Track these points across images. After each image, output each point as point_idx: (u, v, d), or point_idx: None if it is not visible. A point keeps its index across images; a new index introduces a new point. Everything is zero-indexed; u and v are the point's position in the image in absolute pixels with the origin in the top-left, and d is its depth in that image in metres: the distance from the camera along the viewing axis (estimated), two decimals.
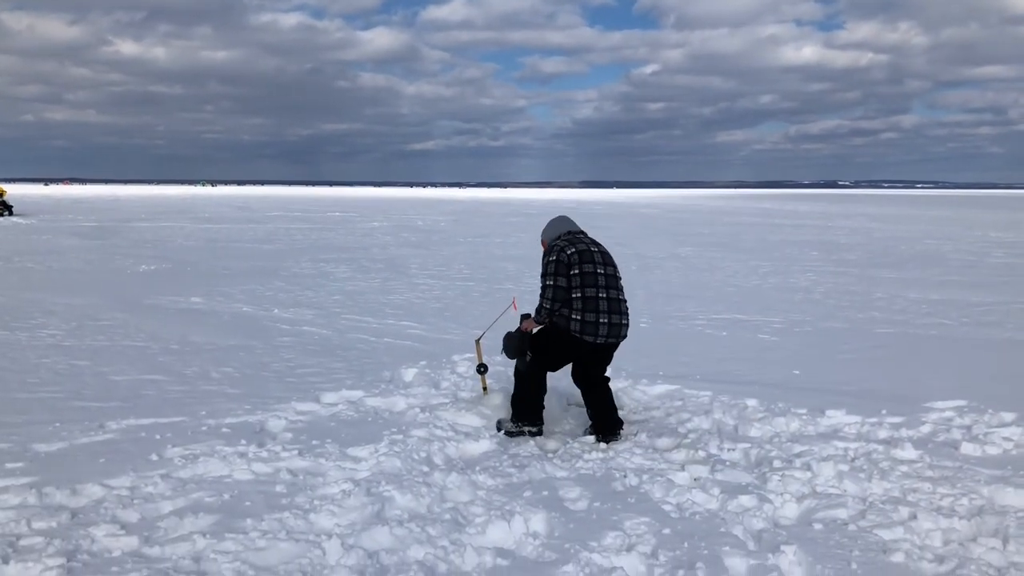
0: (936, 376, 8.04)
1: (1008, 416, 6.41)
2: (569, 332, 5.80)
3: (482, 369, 6.68)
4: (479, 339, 6.84)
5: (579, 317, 5.77)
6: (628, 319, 5.96)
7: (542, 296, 5.90)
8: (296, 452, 5.49)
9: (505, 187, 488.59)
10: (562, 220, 6.31)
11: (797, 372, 8.19)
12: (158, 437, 5.83)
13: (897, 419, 6.39)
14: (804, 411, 6.60)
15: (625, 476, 5.08)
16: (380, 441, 5.75)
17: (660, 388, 7.43)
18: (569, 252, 5.88)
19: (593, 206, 73.97)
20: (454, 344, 9.44)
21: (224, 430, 6.04)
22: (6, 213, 38.26)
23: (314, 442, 5.75)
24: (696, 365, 8.44)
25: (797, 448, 5.69)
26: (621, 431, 5.98)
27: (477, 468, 5.30)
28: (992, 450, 5.63)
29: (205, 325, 10.59)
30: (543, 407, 6.17)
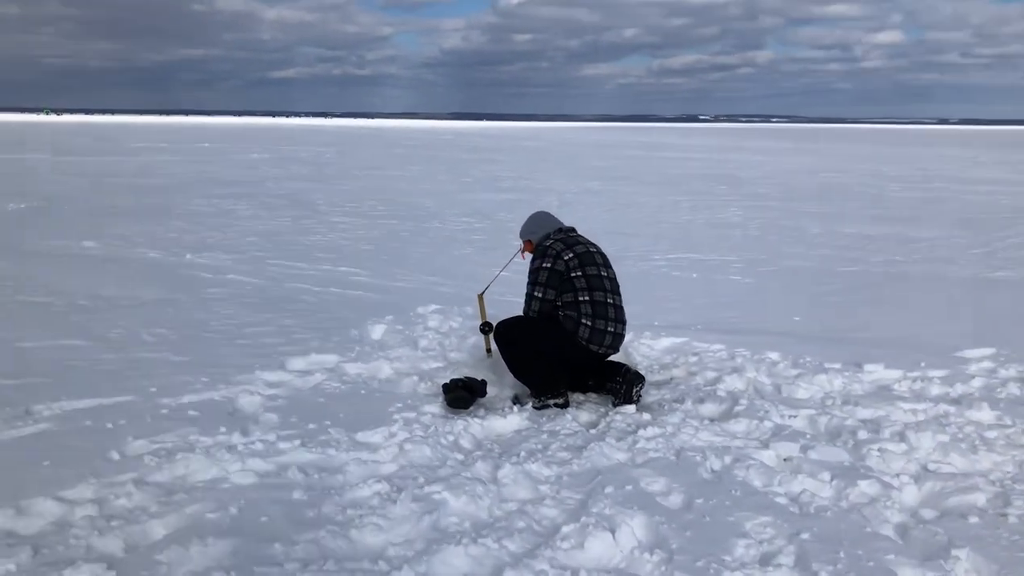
0: (940, 319, 7.68)
1: None
2: (576, 336, 5.14)
3: (486, 328, 5.76)
4: (482, 294, 5.91)
5: (589, 323, 5.15)
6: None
7: (526, 305, 5.31)
8: (297, 442, 4.46)
9: (372, 117, 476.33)
10: (547, 216, 5.66)
11: (797, 319, 7.64)
12: (110, 426, 4.66)
13: (940, 372, 5.90)
14: (838, 365, 6.01)
15: (705, 458, 4.31)
16: (390, 422, 4.79)
17: (666, 341, 6.71)
18: (567, 258, 5.22)
19: (475, 138, 72.59)
20: (411, 293, 8.45)
21: (190, 412, 4.92)
22: None
23: (310, 425, 4.73)
24: (687, 312, 7.76)
25: (862, 412, 5.08)
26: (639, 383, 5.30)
27: (521, 453, 4.44)
28: None
29: (111, 275, 9.15)
30: (559, 372, 5.33)
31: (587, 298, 5.18)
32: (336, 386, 5.51)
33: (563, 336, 5.15)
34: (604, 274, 5.31)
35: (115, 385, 5.35)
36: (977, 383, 5.69)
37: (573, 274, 5.20)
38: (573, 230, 5.55)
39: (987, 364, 6.12)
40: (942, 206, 18.00)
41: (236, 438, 4.51)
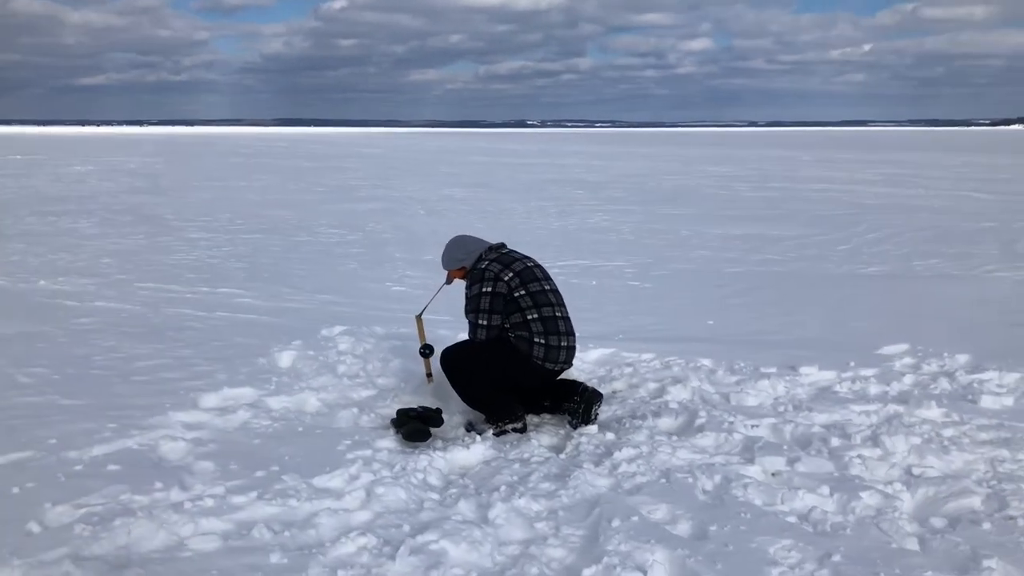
0: (846, 317, 7.89)
1: (963, 358, 6.28)
2: (531, 359, 4.87)
3: (426, 351, 5.38)
4: (420, 315, 5.52)
5: (542, 341, 4.88)
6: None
7: (472, 334, 4.97)
8: (253, 494, 3.94)
9: (192, 125, 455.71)
10: (471, 238, 5.29)
11: (711, 322, 7.65)
12: (16, 490, 3.99)
13: (871, 371, 6.01)
14: (774, 369, 6.03)
15: (696, 479, 4.13)
16: (346, 462, 4.35)
17: (595, 353, 6.55)
18: (507, 278, 4.90)
19: (310, 145, 70.69)
20: (308, 314, 7.91)
21: (110, 466, 4.29)
22: None
23: (258, 473, 4.22)
24: (604, 322, 7.61)
25: (819, 417, 5.07)
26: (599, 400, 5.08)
27: (502, 488, 4.10)
28: (1007, 400, 5.35)
29: None
30: (511, 396, 5.04)
31: (536, 316, 4.91)
32: (266, 424, 4.99)
33: (515, 358, 4.87)
34: (547, 287, 5.06)
35: (7, 440, 4.61)
36: (909, 380, 5.82)
37: (517, 293, 4.91)
38: (504, 246, 5.22)
39: (908, 360, 6.29)
40: (789, 205, 18.87)
41: (177, 494, 3.95)
